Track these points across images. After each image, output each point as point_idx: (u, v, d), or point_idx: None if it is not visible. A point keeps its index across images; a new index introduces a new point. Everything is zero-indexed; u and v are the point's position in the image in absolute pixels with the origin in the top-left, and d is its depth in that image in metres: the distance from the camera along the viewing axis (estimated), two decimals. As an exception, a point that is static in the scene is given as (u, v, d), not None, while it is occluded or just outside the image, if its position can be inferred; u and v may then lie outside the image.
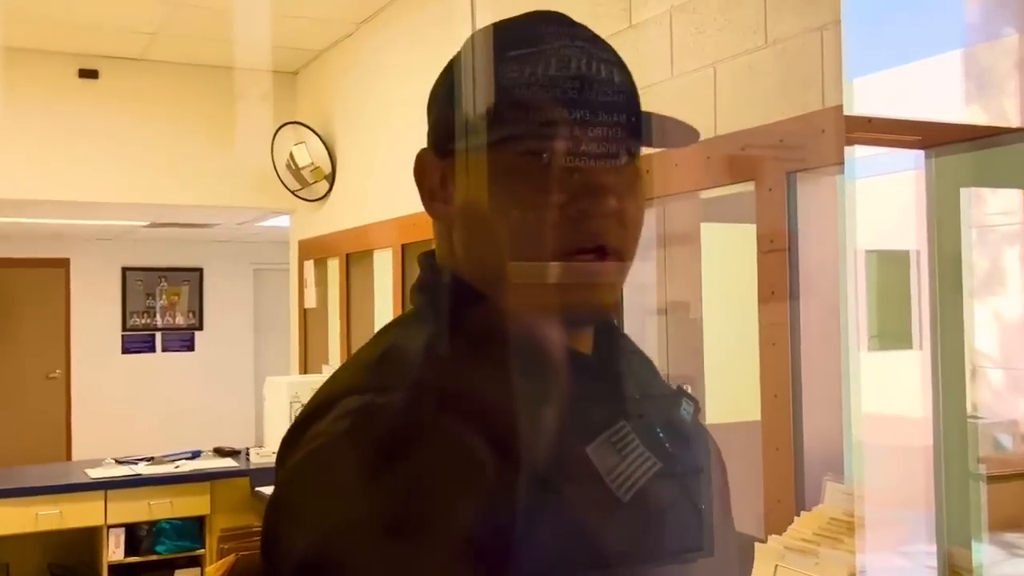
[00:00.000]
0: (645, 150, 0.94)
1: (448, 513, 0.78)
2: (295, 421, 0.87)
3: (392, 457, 0.79)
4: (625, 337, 1.03)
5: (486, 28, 0.92)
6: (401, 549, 0.76)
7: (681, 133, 0.95)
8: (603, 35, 0.92)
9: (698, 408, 0.98)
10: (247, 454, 5.15)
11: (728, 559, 1.00)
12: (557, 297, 0.89)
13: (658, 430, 0.91)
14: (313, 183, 5.23)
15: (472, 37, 0.92)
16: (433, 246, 0.98)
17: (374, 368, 0.89)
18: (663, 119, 0.92)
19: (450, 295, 0.93)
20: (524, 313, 0.89)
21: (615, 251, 0.88)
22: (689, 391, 1.00)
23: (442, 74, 0.95)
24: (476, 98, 0.89)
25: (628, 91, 0.90)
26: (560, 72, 0.86)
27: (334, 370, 0.94)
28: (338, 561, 0.77)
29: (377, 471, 0.79)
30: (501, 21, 0.93)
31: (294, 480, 0.84)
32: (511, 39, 0.89)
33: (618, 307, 0.94)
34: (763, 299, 2.20)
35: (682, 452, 0.92)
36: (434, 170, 0.93)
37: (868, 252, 3.63)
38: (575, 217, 0.86)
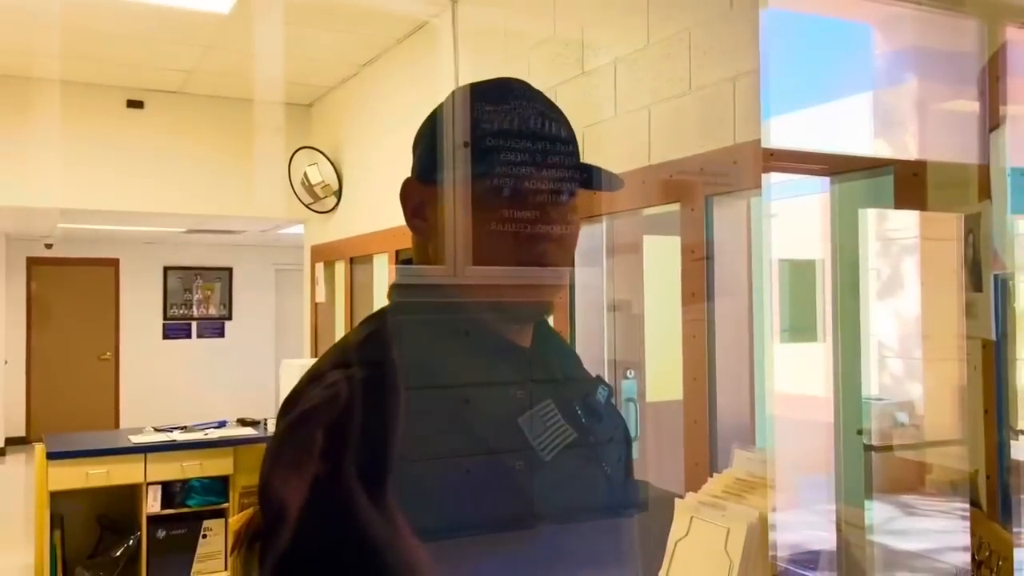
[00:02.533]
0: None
1: (415, 467, 0.82)
2: (295, 386, 0.89)
3: (364, 416, 0.82)
4: (558, 336, 1.08)
5: (465, 86, 0.95)
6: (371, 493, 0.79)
7: (611, 181, 1.00)
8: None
9: (611, 393, 1.03)
10: (265, 424, 5.16)
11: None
12: (509, 298, 0.92)
13: (576, 408, 0.96)
14: (323, 198, 5.23)
15: (454, 93, 0.95)
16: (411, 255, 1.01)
17: (357, 349, 0.92)
18: (599, 169, 0.97)
19: (420, 295, 0.97)
20: (480, 310, 0.93)
21: (555, 265, 0.93)
22: (606, 379, 1.06)
23: (428, 118, 0.98)
24: (455, 142, 0.92)
25: (572, 145, 0.94)
26: (522, 127, 0.91)
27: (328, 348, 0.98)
28: (319, 499, 0.79)
29: (354, 428, 0.82)
30: (477, 82, 0.97)
31: (288, 433, 0.86)
32: (485, 97, 0.93)
33: (554, 309, 0.98)
34: (685, 300, 2.23)
35: (595, 426, 0.97)
36: (416, 194, 0.96)
37: (780, 261, 3.67)
38: (527, 239, 0.90)
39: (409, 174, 0.98)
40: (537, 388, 0.94)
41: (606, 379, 3.15)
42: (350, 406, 0.83)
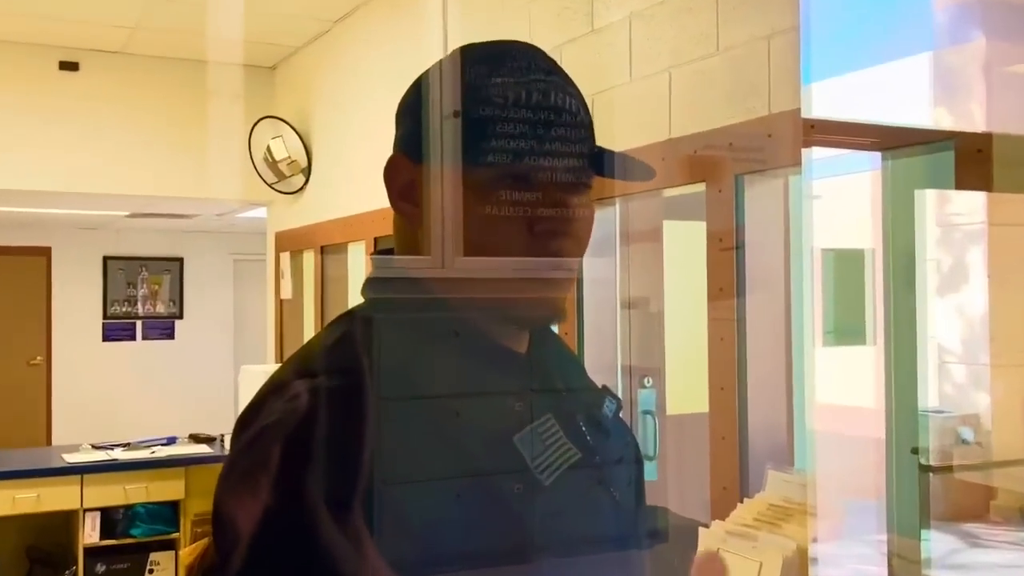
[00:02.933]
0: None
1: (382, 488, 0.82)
2: (253, 398, 0.90)
3: (333, 433, 0.83)
4: (559, 339, 1.08)
5: (464, 48, 0.95)
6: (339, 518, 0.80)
7: (636, 169, 1.01)
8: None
9: (620, 406, 1.04)
10: (221, 441, 5.16)
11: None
12: (511, 294, 0.93)
13: (580, 423, 0.97)
14: (290, 176, 5.23)
15: (449, 56, 0.95)
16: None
17: (325, 355, 0.93)
18: (625, 157, 0.97)
19: (401, 290, 0.97)
20: (472, 309, 0.93)
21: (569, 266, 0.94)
22: (613, 389, 1.06)
23: (414, 84, 0.97)
24: (444, 112, 0.92)
25: (589, 125, 0.95)
26: (536, 103, 0.90)
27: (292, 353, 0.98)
28: (280, 528, 0.80)
29: (320, 447, 0.82)
30: (480, 45, 0.96)
31: (246, 452, 0.86)
32: (483, 61, 0.92)
33: (563, 314, 0.99)
34: (712, 296, 2.25)
35: (601, 444, 0.98)
36: (405, 173, 0.96)
37: (824, 250, 3.68)
38: (541, 235, 0.90)
39: (392, 149, 0.98)
40: (536, 400, 0.95)
41: (619, 388, 3.14)
42: (316, 421, 0.83)
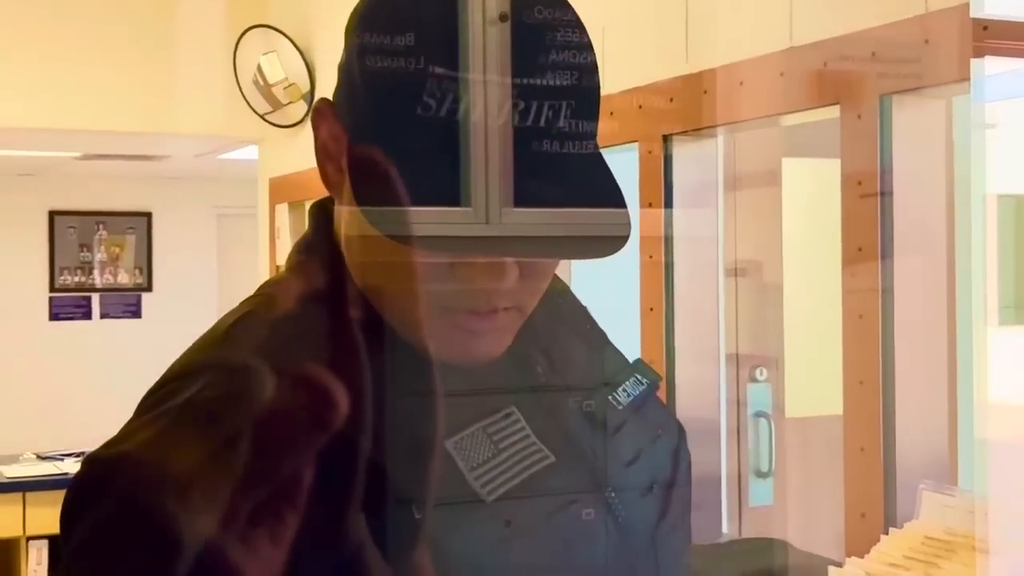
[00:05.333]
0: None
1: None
2: (147, 392, 0.92)
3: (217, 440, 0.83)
4: (558, 300, 1.05)
5: None
6: None
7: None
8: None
9: (655, 386, 1.00)
10: (203, 450, 5.23)
11: None
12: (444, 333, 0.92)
13: (571, 418, 0.95)
14: (287, 104, 5.25)
15: None
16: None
17: (219, 344, 0.95)
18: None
19: (330, 270, 0.99)
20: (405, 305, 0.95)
21: (519, 309, 0.93)
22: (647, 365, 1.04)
23: None
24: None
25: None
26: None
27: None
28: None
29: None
30: None
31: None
32: None
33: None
34: (848, 258, 2.22)
35: (600, 444, 0.95)
36: (331, 122, 1.00)
37: (1001, 197, 3.62)
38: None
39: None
40: (497, 394, 0.95)
41: (722, 382, 3.12)
42: (209, 428, 0.84)
